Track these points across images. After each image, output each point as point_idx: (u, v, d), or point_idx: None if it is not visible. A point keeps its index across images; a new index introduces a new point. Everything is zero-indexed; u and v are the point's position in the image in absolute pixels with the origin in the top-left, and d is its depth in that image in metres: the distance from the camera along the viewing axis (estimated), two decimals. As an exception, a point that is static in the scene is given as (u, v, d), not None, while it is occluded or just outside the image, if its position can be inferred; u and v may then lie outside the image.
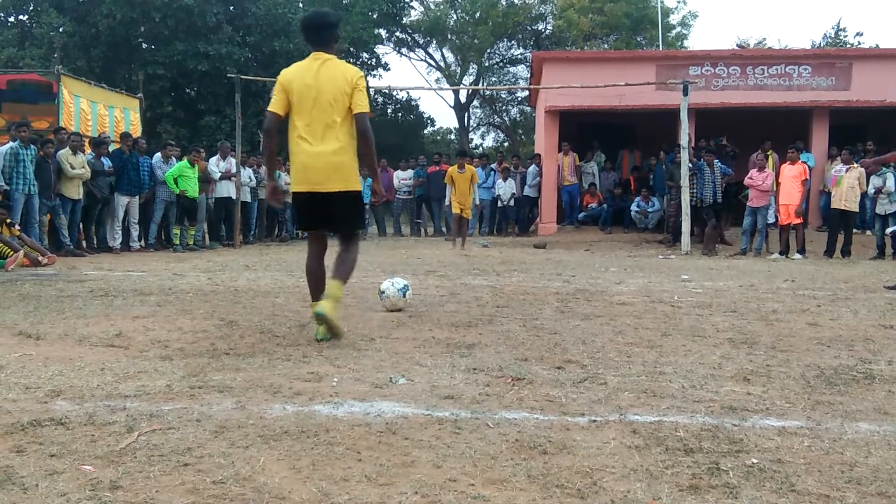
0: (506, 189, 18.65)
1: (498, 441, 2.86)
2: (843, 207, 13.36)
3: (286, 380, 3.75)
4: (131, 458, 2.63)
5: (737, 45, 31.69)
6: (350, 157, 4.86)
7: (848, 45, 30.68)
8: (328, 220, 4.96)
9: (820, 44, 32.63)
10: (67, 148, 11.86)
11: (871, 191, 13.71)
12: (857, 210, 13.80)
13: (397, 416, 3.15)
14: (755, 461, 2.67)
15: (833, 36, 33.09)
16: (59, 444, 2.75)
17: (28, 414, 3.10)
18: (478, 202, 16.61)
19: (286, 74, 4.89)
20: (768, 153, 16.00)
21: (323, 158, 4.77)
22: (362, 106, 4.78)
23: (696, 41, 57.88)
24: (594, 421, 3.13)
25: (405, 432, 2.95)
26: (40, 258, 9.87)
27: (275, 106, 4.85)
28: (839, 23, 41.59)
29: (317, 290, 4.93)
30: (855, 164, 13.52)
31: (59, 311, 5.88)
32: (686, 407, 3.37)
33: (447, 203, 15.55)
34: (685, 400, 3.48)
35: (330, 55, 4.87)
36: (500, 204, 18.86)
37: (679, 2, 39.40)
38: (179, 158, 13.88)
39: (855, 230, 14.36)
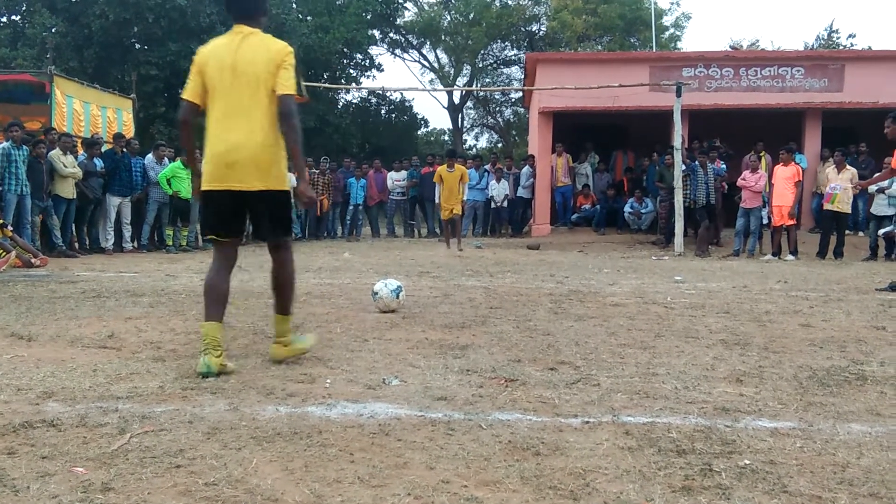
0: (499, 190, 18.65)
1: (491, 442, 2.86)
2: (835, 209, 13.40)
3: (279, 381, 3.74)
4: (123, 459, 2.62)
5: (730, 47, 31.79)
6: (276, 149, 4.05)
7: (840, 47, 30.79)
8: (244, 224, 4.25)
9: (813, 45, 32.75)
10: (58, 148, 11.83)
11: (872, 189, 13.73)
12: (849, 211, 13.85)
13: (390, 418, 3.15)
14: (748, 462, 2.67)
15: (826, 38, 33.24)
16: (50, 445, 2.74)
17: (20, 416, 3.09)
18: (464, 199, 16.58)
19: (201, 52, 4.14)
20: (761, 154, 16.04)
21: (242, 151, 3.97)
22: (287, 86, 3.98)
23: (690, 43, 58.04)
24: (587, 422, 3.13)
25: (398, 434, 2.94)
26: (32, 259, 9.85)
27: (188, 92, 4.09)
28: (832, 24, 41.94)
29: (215, 309, 4.07)
30: (847, 166, 13.58)
31: (51, 312, 5.86)
32: (679, 408, 3.37)
33: (437, 201, 15.51)
34: (678, 401, 3.49)
35: (254, 29, 4.14)
36: (493, 205, 18.86)
37: (672, 3, 39.58)
38: (172, 159, 13.85)
39: (847, 231, 14.41)
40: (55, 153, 11.73)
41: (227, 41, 4.10)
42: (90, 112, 14.50)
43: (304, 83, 4.40)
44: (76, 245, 12.55)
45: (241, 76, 3.99)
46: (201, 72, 4.07)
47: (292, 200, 4.37)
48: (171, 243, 13.76)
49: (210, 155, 4.07)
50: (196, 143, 4.35)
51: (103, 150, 13.26)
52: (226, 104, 4.02)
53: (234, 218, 4.14)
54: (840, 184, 13.23)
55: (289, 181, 4.24)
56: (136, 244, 13.61)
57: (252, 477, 2.48)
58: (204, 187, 4.12)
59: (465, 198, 15.53)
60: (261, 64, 4.00)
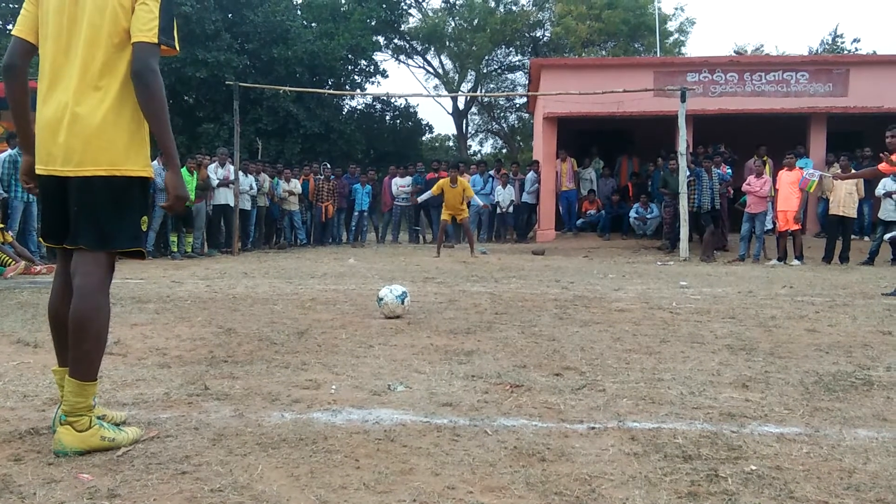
0: (504, 196, 18.67)
1: (496, 448, 2.85)
2: (841, 213, 13.38)
3: (284, 387, 3.75)
4: (129, 466, 2.62)
5: (734, 52, 31.76)
6: (114, 117, 2.83)
7: (845, 52, 30.74)
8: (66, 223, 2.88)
9: (817, 50, 32.73)
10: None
11: (879, 191, 13.70)
12: (855, 216, 13.83)
13: (396, 424, 3.15)
14: (754, 468, 2.67)
15: (830, 42, 33.19)
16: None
17: (26, 422, 3.10)
18: (482, 203, 16.65)
19: None
20: (764, 159, 16.04)
21: (64, 119, 2.80)
22: (144, 31, 2.80)
23: (694, 48, 57.99)
24: (593, 428, 3.13)
25: (403, 440, 2.94)
26: (32, 269, 9.84)
27: (17, 25, 2.94)
28: (836, 29, 41.81)
29: (61, 345, 3.00)
30: (852, 171, 13.55)
31: (58, 318, 5.87)
32: (685, 414, 3.37)
33: (420, 201, 15.74)
34: (684, 407, 3.48)
35: None
36: (498, 210, 18.87)
37: (676, 9, 39.61)
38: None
39: (853, 236, 14.38)
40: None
41: None
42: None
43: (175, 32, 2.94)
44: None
45: (80, 13, 2.83)
46: (35, 1, 2.94)
47: (135, 198, 2.96)
48: (175, 249, 13.78)
49: (37, 124, 2.92)
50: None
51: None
52: (55, 52, 2.87)
53: (58, 213, 2.90)
54: (818, 170, 13.26)
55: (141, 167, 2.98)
56: (141, 250, 13.61)
57: (257, 483, 2.48)
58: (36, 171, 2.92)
59: (478, 205, 15.78)
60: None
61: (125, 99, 2.86)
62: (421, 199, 16.03)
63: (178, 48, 2.96)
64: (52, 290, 3.03)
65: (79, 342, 2.79)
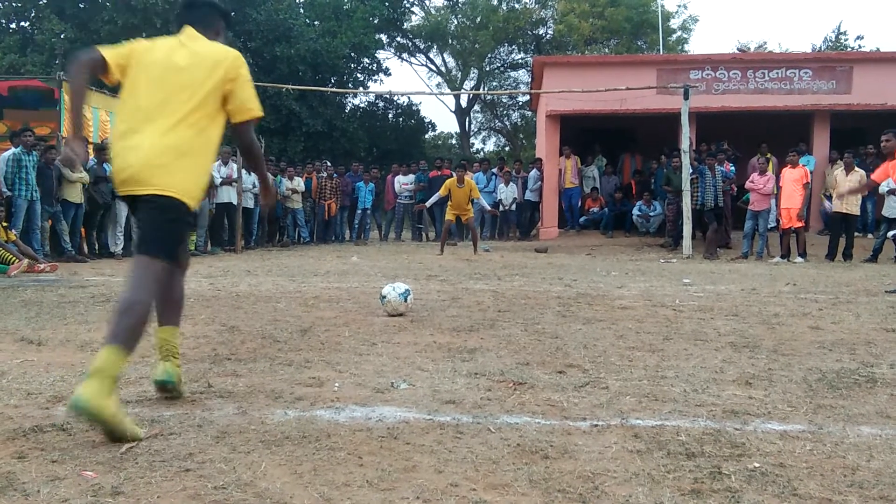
0: (507, 194, 18.67)
1: (500, 446, 2.86)
2: (844, 211, 13.36)
3: (287, 385, 3.75)
4: (133, 463, 2.63)
5: (737, 49, 31.68)
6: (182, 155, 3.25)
7: (848, 49, 30.67)
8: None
9: (820, 47, 32.63)
10: (63, 153, 11.90)
11: (883, 189, 13.68)
12: (858, 213, 13.81)
13: (399, 421, 3.15)
14: (757, 465, 2.67)
15: (834, 39, 33.08)
16: (60, 449, 2.75)
17: (30, 420, 3.11)
18: (488, 208, 16.63)
19: (142, 42, 3.49)
20: (768, 156, 16.02)
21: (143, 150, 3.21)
22: (248, 111, 3.40)
23: (697, 45, 57.94)
24: (596, 425, 3.13)
25: (407, 437, 2.95)
26: (36, 267, 9.86)
27: (111, 53, 3.35)
28: (840, 26, 41.62)
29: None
30: (856, 168, 13.55)
31: (61, 316, 5.89)
32: (688, 411, 3.37)
33: (427, 206, 15.58)
34: (687, 404, 3.48)
35: (201, 35, 3.48)
36: (501, 208, 18.88)
37: (679, 6, 39.57)
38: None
39: (857, 233, 14.37)
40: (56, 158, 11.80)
41: (171, 40, 3.48)
42: (99, 118, 14.54)
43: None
44: (85, 249, 12.60)
45: (174, 76, 3.31)
46: (131, 54, 3.38)
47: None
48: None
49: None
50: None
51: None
52: (146, 100, 3.29)
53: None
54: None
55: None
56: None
57: (261, 480, 2.48)
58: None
59: (486, 206, 15.80)
60: (203, 70, 3.32)
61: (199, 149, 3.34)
62: (429, 203, 15.90)
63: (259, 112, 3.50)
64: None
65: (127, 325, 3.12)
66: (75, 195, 11.98)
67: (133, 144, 3.22)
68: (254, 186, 15.82)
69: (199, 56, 3.36)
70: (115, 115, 3.53)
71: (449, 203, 14.30)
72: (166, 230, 3.26)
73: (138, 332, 3.09)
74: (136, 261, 3.28)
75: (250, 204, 15.82)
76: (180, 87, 3.28)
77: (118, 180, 3.29)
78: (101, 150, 12.96)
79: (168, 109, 3.25)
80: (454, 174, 19.29)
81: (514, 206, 18.86)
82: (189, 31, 3.47)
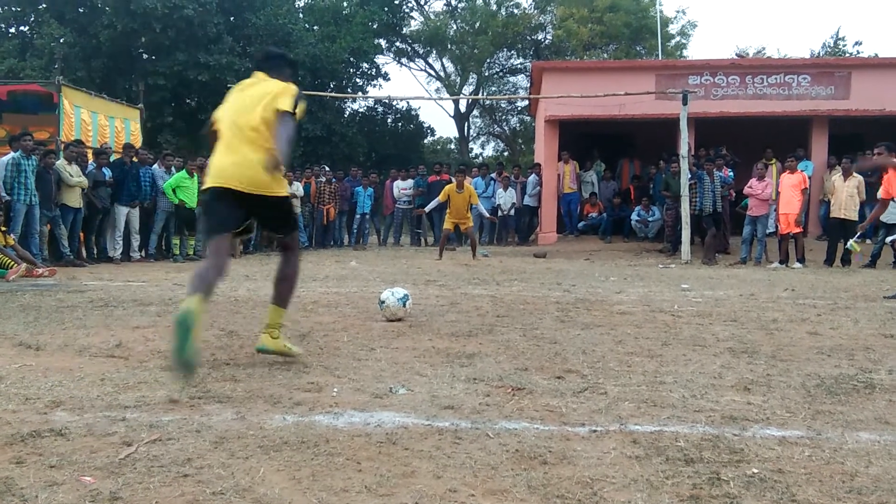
0: (506, 199, 18.67)
1: (498, 451, 2.86)
2: (842, 216, 13.38)
3: (286, 390, 3.75)
4: (131, 469, 2.62)
5: (736, 55, 31.74)
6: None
7: (847, 55, 30.72)
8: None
9: (819, 53, 32.70)
10: (63, 158, 11.91)
11: (881, 195, 13.66)
12: (856, 219, 13.81)
13: (397, 427, 3.15)
14: (756, 471, 2.67)
15: (832, 45, 33.16)
16: (58, 455, 2.75)
17: (28, 425, 3.10)
18: (487, 215, 16.57)
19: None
20: (771, 162, 16.04)
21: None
22: (284, 104, 4.38)
23: (696, 51, 58.00)
24: (594, 431, 3.13)
25: (405, 442, 2.94)
26: (34, 271, 9.85)
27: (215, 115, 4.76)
28: (838, 32, 41.81)
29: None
30: (854, 174, 13.57)
31: (59, 321, 5.88)
32: (686, 417, 3.37)
33: (427, 211, 15.30)
34: (685, 410, 3.48)
35: (271, 77, 4.63)
36: (500, 213, 18.87)
37: (678, 11, 39.53)
38: (179, 169, 13.91)
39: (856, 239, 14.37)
40: (61, 163, 11.80)
41: (248, 80, 4.70)
42: (98, 122, 14.55)
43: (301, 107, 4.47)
44: (84, 254, 12.59)
45: (252, 97, 4.46)
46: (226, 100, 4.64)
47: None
48: (177, 252, 13.80)
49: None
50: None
51: (111, 159, 13.32)
52: (231, 125, 4.45)
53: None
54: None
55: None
56: (143, 253, 13.65)
57: (259, 486, 2.48)
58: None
59: (485, 213, 15.71)
60: (267, 96, 4.40)
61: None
62: (428, 208, 15.76)
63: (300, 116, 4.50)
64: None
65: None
66: (74, 200, 11.98)
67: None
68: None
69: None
70: None
71: (448, 209, 14.20)
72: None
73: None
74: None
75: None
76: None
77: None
78: (100, 154, 12.97)
79: None
80: (453, 179, 19.38)
81: (512, 212, 18.86)
82: (259, 75, 4.64)
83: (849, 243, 10.75)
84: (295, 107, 4.38)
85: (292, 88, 4.46)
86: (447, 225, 14.23)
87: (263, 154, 4.24)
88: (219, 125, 4.56)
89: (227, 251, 4.45)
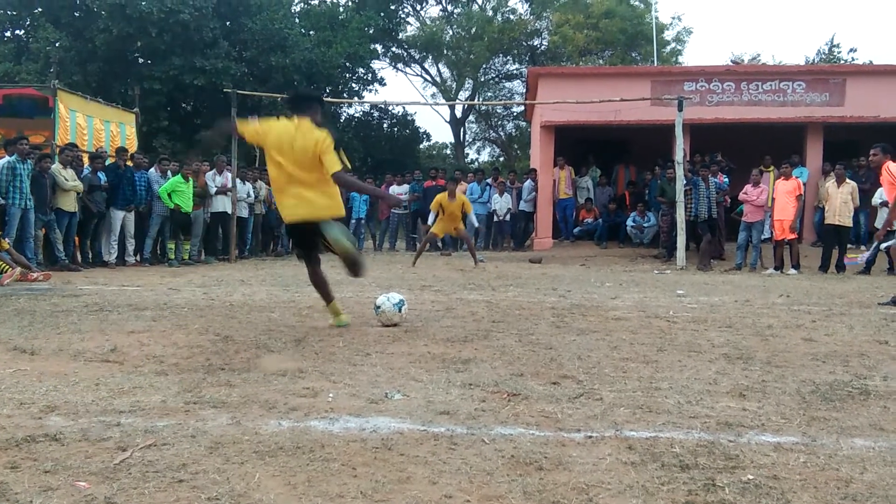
0: (502, 204, 18.69)
1: (494, 457, 2.85)
2: (836, 223, 13.42)
3: (282, 395, 3.74)
4: (126, 474, 2.62)
5: (731, 62, 31.82)
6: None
7: (841, 62, 30.82)
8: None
9: (814, 60, 32.79)
10: (58, 162, 11.89)
11: (876, 201, 13.74)
12: (850, 225, 13.86)
13: (393, 432, 3.15)
14: (751, 477, 2.67)
15: (827, 52, 33.26)
16: (53, 460, 2.74)
17: (22, 430, 3.09)
18: (476, 224, 16.47)
19: (270, 121, 6.05)
20: (769, 168, 16.09)
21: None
22: (333, 166, 5.67)
23: (691, 57, 58.03)
24: (590, 437, 3.13)
25: (401, 448, 2.94)
26: (29, 275, 9.82)
27: (246, 128, 6.05)
28: (833, 39, 41.98)
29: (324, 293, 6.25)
30: (847, 180, 13.63)
31: (54, 326, 5.87)
32: (682, 423, 3.37)
33: (429, 223, 14.79)
34: (681, 416, 3.48)
35: (304, 119, 5.80)
36: (495, 219, 18.88)
37: (674, 18, 39.73)
38: (175, 173, 13.90)
39: (850, 245, 14.43)
40: (56, 167, 11.78)
41: (288, 124, 5.82)
42: (93, 126, 14.53)
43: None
44: (79, 258, 12.57)
45: (299, 150, 5.68)
46: (265, 132, 5.85)
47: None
48: (172, 257, 13.78)
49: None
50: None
51: (106, 163, 13.31)
52: (291, 165, 5.72)
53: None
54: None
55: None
56: (138, 258, 13.63)
57: (255, 492, 2.48)
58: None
59: (474, 223, 15.50)
60: (310, 146, 5.64)
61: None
62: (430, 221, 15.49)
63: (348, 165, 5.77)
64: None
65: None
66: (69, 204, 11.96)
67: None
68: (248, 196, 15.83)
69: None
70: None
71: (439, 217, 14.00)
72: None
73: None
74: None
75: (244, 213, 15.81)
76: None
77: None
78: (96, 158, 12.95)
79: None
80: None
81: (508, 217, 18.88)
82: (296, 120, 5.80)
83: (861, 257, 10.65)
84: (340, 159, 5.64)
85: (329, 142, 5.66)
86: (435, 230, 14.04)
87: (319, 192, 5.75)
88: (272, 165, 5.84)
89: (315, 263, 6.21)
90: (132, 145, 15.52)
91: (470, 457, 2.85)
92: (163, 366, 4.43)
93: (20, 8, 25.50)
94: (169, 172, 13.89)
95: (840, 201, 13.42)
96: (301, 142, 5.64)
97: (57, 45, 23.72)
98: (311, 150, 5.60)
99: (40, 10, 25.00)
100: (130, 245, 13.37)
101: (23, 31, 26.67)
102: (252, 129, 5.90)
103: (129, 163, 13.51)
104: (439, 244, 18.25)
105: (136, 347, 4.98)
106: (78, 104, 14.17)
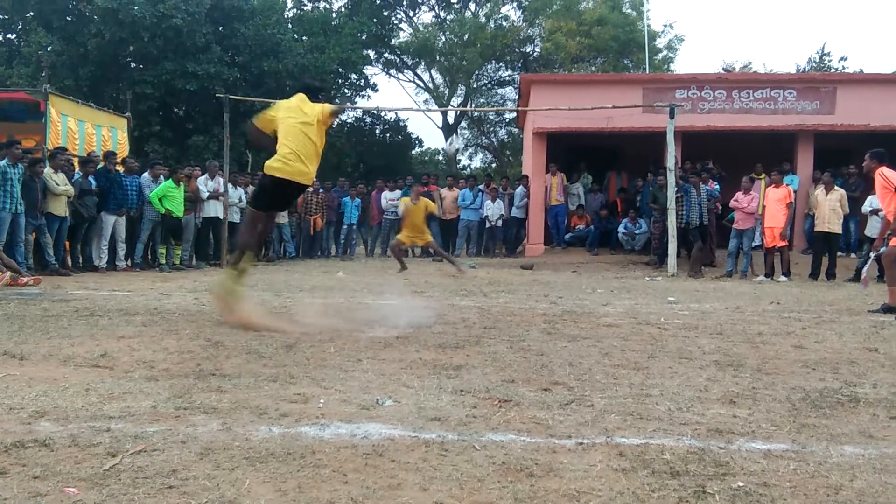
0: (494, 210, 18.70)
1: (485, 463, 2.85)
2: (825, 230, 13.48)
3: (272, 401, 3.73)
4: (116, 480, 2.61)
5: (722, 69, 31.97)
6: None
7: (832, 70, 30.99)
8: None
9: (805, 68, 32.95)
10: (49, 166, 11.85)
11: (866, 209, 13.81)
12: (839, 232, 13.91)
13: (384, 438, 3.14)
14: (741, 484, 2.67)
15: (818, 61, 33.45)
16: (42, 465, 2.73)
17: (11, 435, 3.08)
18: (437, 214, 16.30)
19: (279, 103, 7.02)
20: (760, 176, 16.15)
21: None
22: (328, 107, 6.79)
23: (683, 65, 58.38)
24: (581, 443, 3.13)
25: (392, 454, 2.94)
26: (19, 280, 9.78)
27: (260, 122, 6.92)
28: (823, 48, 42.20)
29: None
30: (836, 187, 13.71)
31: (44, 330, 5.84)
32: (672, 429, 3.38)
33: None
34: (671, 422, 3.49)
35: (307, 98, 6.75)
36: (487, 225, 18.90)
37: (666, 26, 39.83)
38: (167, 177, 13.87)
39: (840, 253, 14.48)
40: (47, 171, 11.73)
41: (290, 100, 6.78)
42: (85, 130, 14.49)
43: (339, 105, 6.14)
44: (69, 263, 12.52)
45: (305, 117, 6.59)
46: (275, 113, 6.75)
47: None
48: (164, 262, 13.73)
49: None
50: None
51: (98, 168, 13.26)
52: (295, 141, 6.55)
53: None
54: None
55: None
56: (129, 262, 13.58)
57: (245, 498, 2.47)
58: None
59: (429, 237, 15.22)
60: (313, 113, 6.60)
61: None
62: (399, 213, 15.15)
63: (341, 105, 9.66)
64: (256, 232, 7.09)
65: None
66: (60, 208, 11.91)
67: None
68: (240, 200, 15.79)
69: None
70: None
71: (404, 222, 13.77)
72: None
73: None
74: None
75: (236, 218, 15.76)
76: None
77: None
78: (87, 162, 12.91)
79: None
80: (440, 191, 19.39)
81: (500, 223, 18.88)
82: (301, 96, 6.72)
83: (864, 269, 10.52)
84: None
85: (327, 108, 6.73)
86: (401, 237, 13.88)
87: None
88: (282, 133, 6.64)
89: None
90: (123, 150, 15.48)
91: (461, 463, 2.85)
92: (153, 371, 4.42)
93: (12, 12, 25.45)
94: (161, 177, 13.86)
95: (828, 208, 13.48)
96: (307, 108, 6.57)
97: (49, 49, 23.69)
98: (316, 114, 6.53)
99: (32, 14, 24.94)
100: (121, 250, 13.32)
101: (15, 35, 26.61)
102: (265, 118, 6.76)
103: (120, 168, 13.46)
104: (431, 251, 18.27)
105: (126, 353, 4.96)
106: (69, 108, 14.12)
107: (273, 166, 6.57)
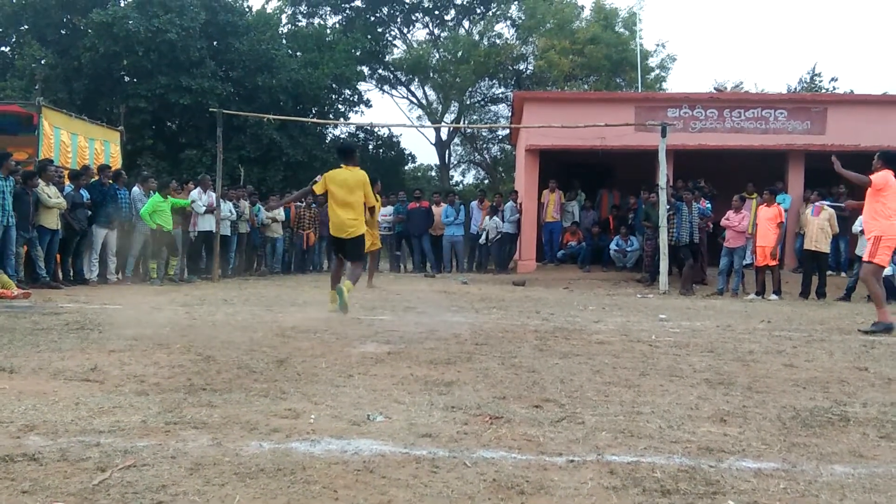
0: (491, 226, 18.69)
1: (475, 480, 2.85)
2: (813, 248, 13.53)
3: (263, 416, 3.72)
4: (105, 495, 2.60)
5: (714, 89, 32.12)
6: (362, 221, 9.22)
7: (823, 91, 31.22)
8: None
9: (796, 88, 33.18)
10: (41, 179, 11.82)
11: (856, 228, 13.86)
12: (827, 251, 13.96)
13: (375, 454, 3.14)
14: (731, 503, 2.68)
15: (808, 81, 33.69)
16: (31, 480, 2.72)
17: (0, 449, 3.06)
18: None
19: (331, 173, 9.05)
20: (752, 196, 16.21)
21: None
22: (371, 201, 9.32)
23: (675, 84, 58.49)
24: (572, 461, 3.13)
25: (382, 470, 2.93)
26: (9, 293, 9.73)
27: (318, 187, 8.98)
28: (814, 68, 42.46)
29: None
30: (825, 206, 13.76)
31: (34, 344, 5.82)
32: (663, 447, 3.38)
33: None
34: (662, 440, 3.49)
35: (352, 166, 8.91)
36: (482, 241, 18.89)
37: (658, 45, 40.07)
38: (157, 191, 13.85)
39: (830, 272, 14.53)
40: (39, 185, 11.70)
41: (343, 170, 8.86)
42: (77, 143, 14.48)
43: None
44: (60, 276, 12.47)
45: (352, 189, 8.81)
46: (330, 182, 8.83)
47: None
48: (155, 276, 13.69)
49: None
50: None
51: (91, 181, 13.24)
52: (343, 199, 8.79)
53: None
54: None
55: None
56: (120, 276, 13.53)
57: (235, 513, 2.46)
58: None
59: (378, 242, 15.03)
60: (358, 184, 8.82)
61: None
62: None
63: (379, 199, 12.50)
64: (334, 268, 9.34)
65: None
66: (51, 221, 11.87)
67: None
68: (231, 214, 15.77)
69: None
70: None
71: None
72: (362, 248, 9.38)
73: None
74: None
75: (227, 232, 15.73)
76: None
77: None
78: (78, 176, 12.88)
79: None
80: (434, 207, 19.43)
81: (498, 238, 18.86)
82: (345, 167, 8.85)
83: None
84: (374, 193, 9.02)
85: (366, 179, 8.95)
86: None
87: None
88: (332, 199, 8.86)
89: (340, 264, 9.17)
90: (116, 163, 15.46)
91: (452, 480, 2.85)
92: (143, 385, 4.40)
93: (6, 25, 25.47)
94: (151, 191, 13.83)
95: (817, 227, 13.55)
96: (352, 178, 8.78)
97: (43, 62, 23.69)
98: (360, 181, 8.80)
99: (26, 27, 24.98)
100: (112, 263, 13.28)
101: (8, 48, 26.60)
102: (321, 185, 8.84)
103: (111, 181, 13.44)
104: (429, 268, 18.33)
105: (116, 367, 4.94)
106: (62, 121, 14.12)
107: None
